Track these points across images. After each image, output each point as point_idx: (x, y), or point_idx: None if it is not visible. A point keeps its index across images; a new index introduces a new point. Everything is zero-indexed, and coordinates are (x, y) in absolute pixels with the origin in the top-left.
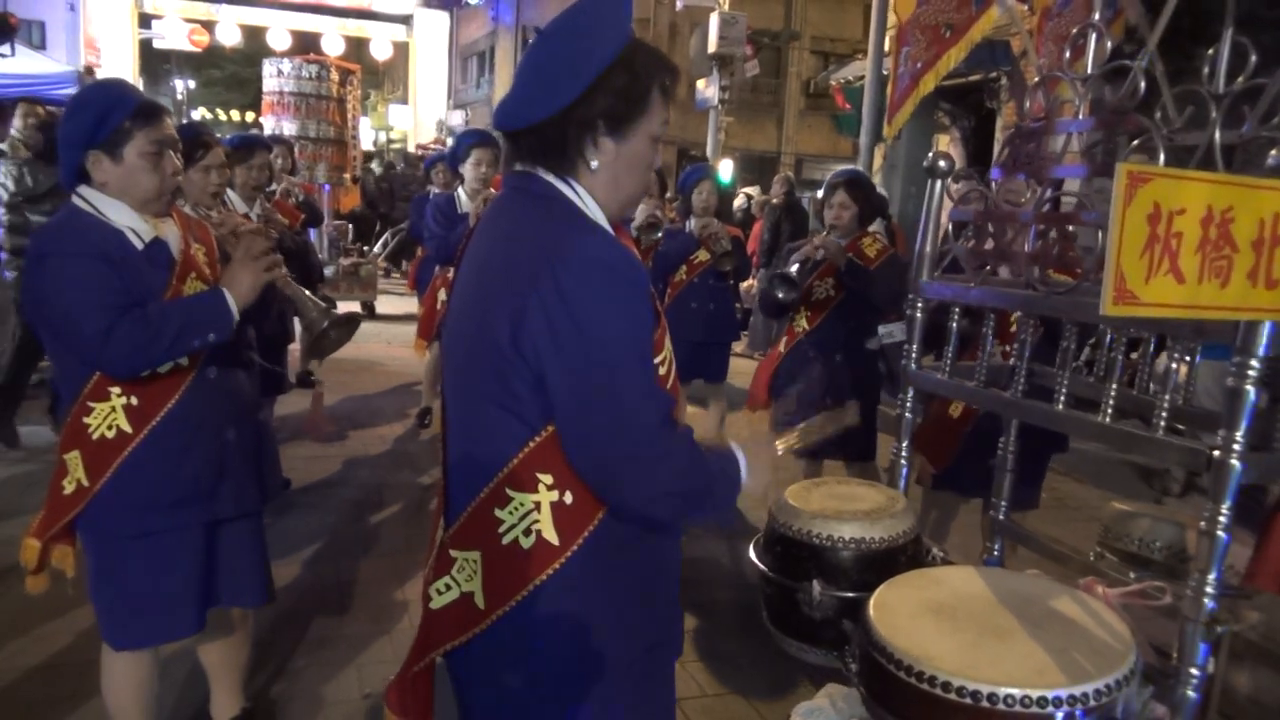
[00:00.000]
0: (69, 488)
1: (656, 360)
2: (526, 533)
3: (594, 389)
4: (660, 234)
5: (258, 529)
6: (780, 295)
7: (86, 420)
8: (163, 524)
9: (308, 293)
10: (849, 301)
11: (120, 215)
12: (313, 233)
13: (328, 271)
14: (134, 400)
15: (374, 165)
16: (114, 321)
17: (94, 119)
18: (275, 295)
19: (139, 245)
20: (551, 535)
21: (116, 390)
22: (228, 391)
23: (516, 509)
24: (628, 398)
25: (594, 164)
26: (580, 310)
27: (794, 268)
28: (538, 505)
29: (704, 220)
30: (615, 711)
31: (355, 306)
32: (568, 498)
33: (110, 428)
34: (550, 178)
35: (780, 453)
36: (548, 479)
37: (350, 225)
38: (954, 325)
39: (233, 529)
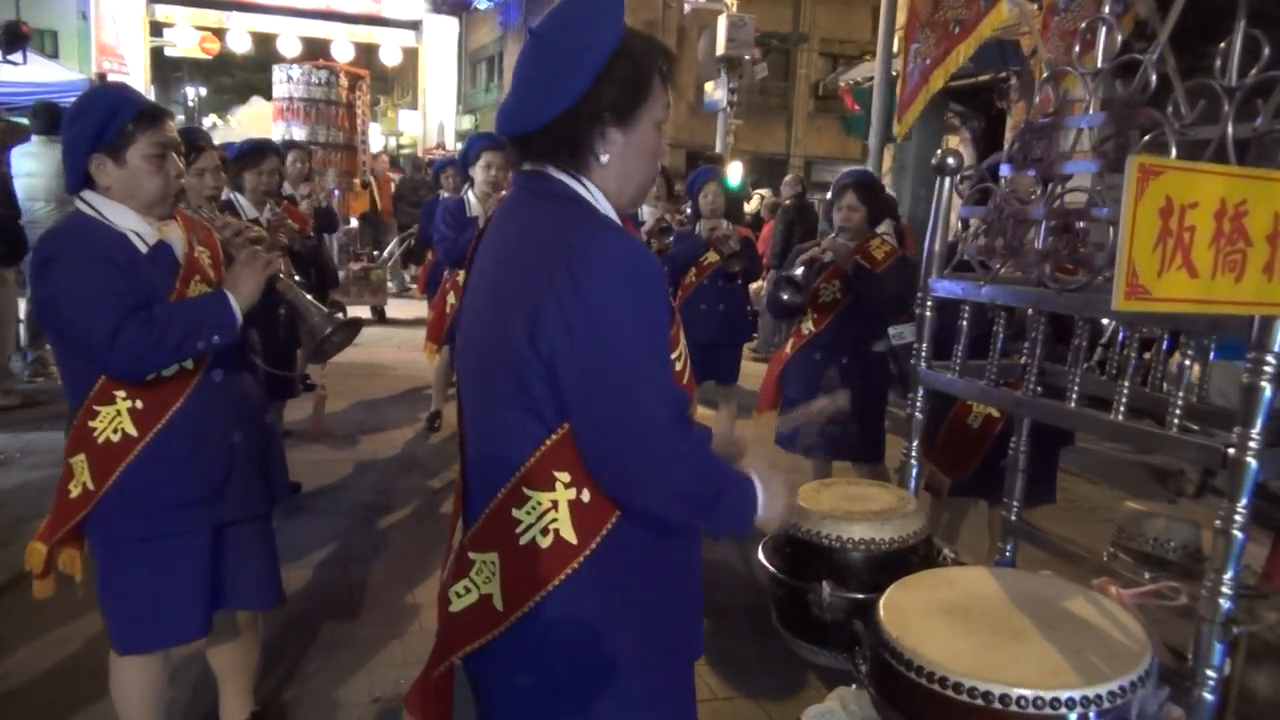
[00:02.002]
0: (75, 491)
1: (672, 356)
2: (544, 532)
3: (608, 385)
4: (670, 238)
5: (266, 532)
6: (785, 298)
7: (92, 424)
8: (169, 527)
9: (309, 296)
10: (856, 304)
11: (124, 219)
12: (326, 238)
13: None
14: (139, 404)
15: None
16: (120, 324)
17: (98, 123)
18: (280, 298)
19: (143, 248)
20: (570, 534)
21: (122, 394)
22: (233, 394)
23: (534, 508)
24: (642, 394)
25: (604, 158)
26: (596, 307)
27: (799, 270)
28: (555, 504)
29: (712, 222)
30: (635, 714)
31: (365, 311)
32: (585, 496)
33: (115, 431)
34: (561, 175)
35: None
36: (565, 477)
37: (359, 230)
38: (963, 324)
39: (240, 532)
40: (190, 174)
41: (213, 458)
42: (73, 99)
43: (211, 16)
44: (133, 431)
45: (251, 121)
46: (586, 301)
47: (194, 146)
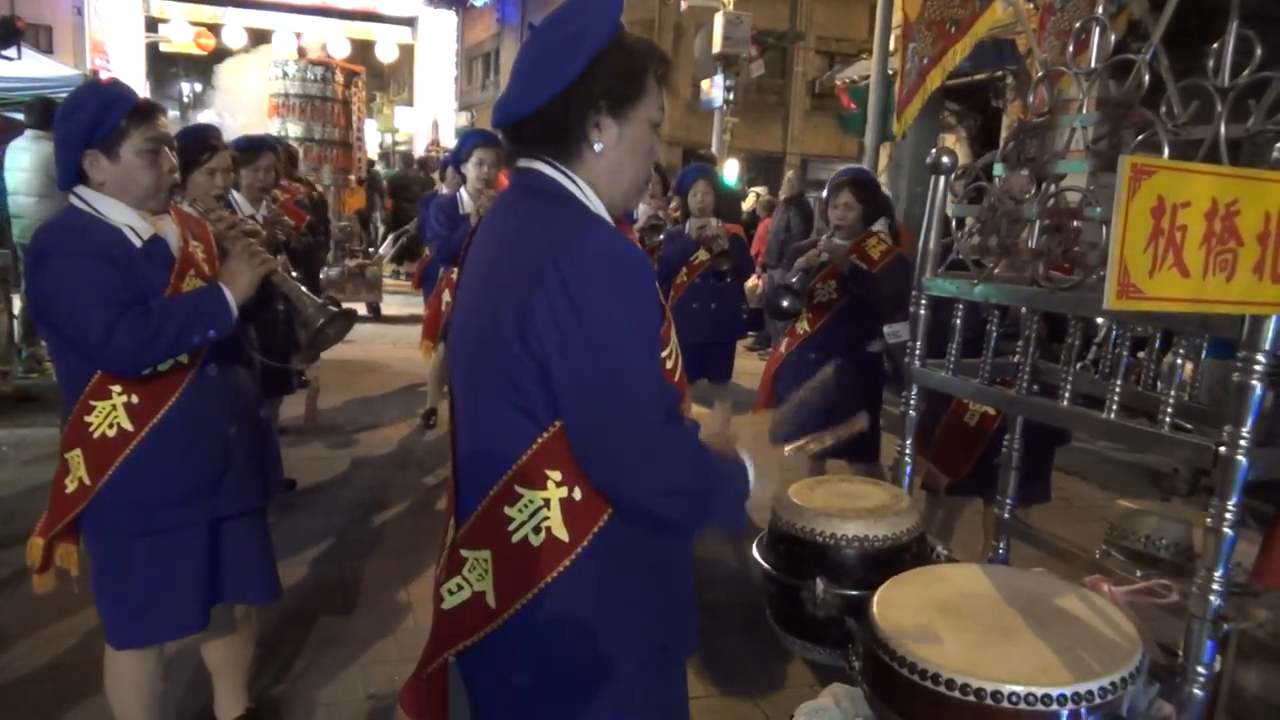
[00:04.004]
0: (71, 486)
1: (663, 354)
2: (536, 530)
3: (598, 383)
4: (662, 236)
5: (261, 526)
6: (785, 305)
7: (88, 419)
8: (165, 522)
9: (304, 289)
10: (851, 304)
11: (118, 214)
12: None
13: (333, 273)
14: (135, 398)
15: (379, 168)
16: (116, 319)
17: (91, 118)
18: (275, 292)
19: (138, 243)
20: (561, 532)
21: (117, 388)
22: (229, 389)
23: (526, 506)
24: (632, 391)
25: (597, 146)
26: (584, 304)
27: (795, 277)
28: (547, 502)
29: (701, 221)
30: (628, 710)
31: (361, 308)
32: (577, 494)
33: (111, 426)
34: (553, 172)
35: (786, 453)
36: (556, 475)
37: (356, 226)
38: (956, 322)
39: (236, 526)
40: (201, 172)
41: (208, 452)
42: (67, 94)
43: (207, 12)
44: (128, 426)
45: (232, 76)
46: (574, 298)
47: (207, 145)
